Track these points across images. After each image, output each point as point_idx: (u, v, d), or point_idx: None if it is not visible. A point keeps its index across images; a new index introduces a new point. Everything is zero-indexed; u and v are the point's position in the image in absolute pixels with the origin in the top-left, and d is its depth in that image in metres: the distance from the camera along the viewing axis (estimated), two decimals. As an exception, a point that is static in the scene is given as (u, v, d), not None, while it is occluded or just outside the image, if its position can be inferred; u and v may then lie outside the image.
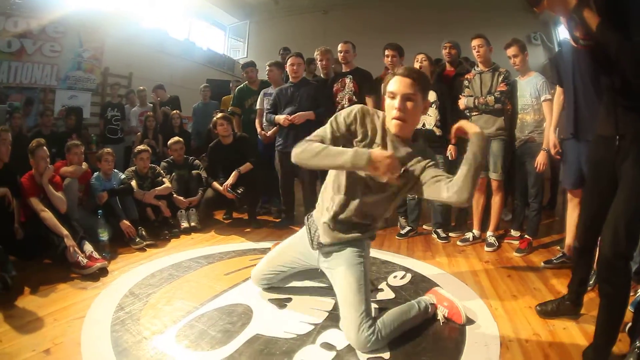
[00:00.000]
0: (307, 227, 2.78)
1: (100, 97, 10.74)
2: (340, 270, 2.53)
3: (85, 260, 3.70)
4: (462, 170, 2.17)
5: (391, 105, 2.32)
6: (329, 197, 2.58)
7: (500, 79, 4.43)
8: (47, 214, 3.97)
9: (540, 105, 4.29)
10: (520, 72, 4.50)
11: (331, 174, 2.61)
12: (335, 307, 2.73)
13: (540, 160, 4.18)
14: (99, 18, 10.43)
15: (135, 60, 11.43)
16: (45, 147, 4.28)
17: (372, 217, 2.58)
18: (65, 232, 3.88)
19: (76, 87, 10.21)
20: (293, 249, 2.91)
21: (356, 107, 2.44)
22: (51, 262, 3.98)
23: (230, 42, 16.71)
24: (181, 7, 14.41)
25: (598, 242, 2.34)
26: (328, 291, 2.94)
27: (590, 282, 3.04)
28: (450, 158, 4.64)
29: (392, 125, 2.35)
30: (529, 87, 4.37)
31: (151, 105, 8.71)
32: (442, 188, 2.19)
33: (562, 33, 11.05)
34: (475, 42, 4.54)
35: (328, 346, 2.42)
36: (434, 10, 12.98)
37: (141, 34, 11.93)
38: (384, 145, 2.38)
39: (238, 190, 5.25)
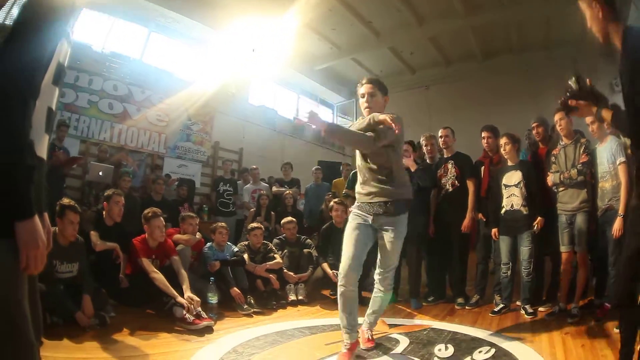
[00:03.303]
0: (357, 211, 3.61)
1: (211, 169, 11.44)
2: (385, 241, 3.50)
3: (192, 318, 4.07)
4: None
5: (362, 102, 3.56)
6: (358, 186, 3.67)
7: (581, 150, 4.48)
8: (158, 276, 4.43)
9: (617, 169, 4.24)
10: (599, 139, 4.53)
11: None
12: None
13: (616, 226, 4.08)
14: (207, 94, 11.16)
15: (245, 137, 12.18)
16: (161, 217, 4.84)
17: (378, 173, 3.47)
18: (175, 293, 4.29)
19: (186, 157, 10.95)
20: (354, 228, 3.53)
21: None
22: (154, 313, 4.43)
23: (338, 120, 17.11)
24: (288, 87, 15.28)
25: None
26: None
27: None
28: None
29: (365, 113, 3.51)
30: (606, 153, 4.38)
31: (264, 183, 9.25)
32: None
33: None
34: (556, 117, 4.65)
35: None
36: (524, 73, 13.18)
37: (250, 111, 12.68)
38: None
39: None
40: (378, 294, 3.67)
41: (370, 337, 3.72)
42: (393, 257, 3.53)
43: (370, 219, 3.47)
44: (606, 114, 2.58)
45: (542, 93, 11.47)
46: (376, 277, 3.67)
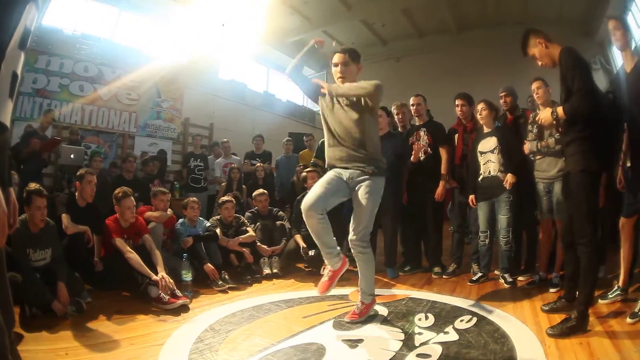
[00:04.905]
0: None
1: (181, 146, 11.37)
2: (358, 198, 3.44)
3: (167, 297, 4.00)
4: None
5: (336, 71, 3.61)
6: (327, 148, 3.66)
7: None
8: (133, 255, 4.34)
9: None
10: None
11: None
12: (402, 349, 2.99)
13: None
14: (176, 69, 11.09)
15: (215, 112, 12.12)
16: (132, 197, 4.72)
17: (354, 137, 3.49)
18: (150, 272, 4.21)
19: (156, 135, 10.85)
20: (330, 175, 3.57)
21: None
22: (130, 295, 4.35)
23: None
24: (258, 60, 15.13)
25: None
26: (396, 334, 3.29)
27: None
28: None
29: (339, 82, 3.59)
30: None
31: (235, 157, 9.19)
32: None
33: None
34: (534, 85, 4.53)
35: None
36: (499, 47, 12.96)
37: (220, 86, 12.59)
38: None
39: (310, 253, 5.37)
40: (357, 259, 3.59)
41: (357, 311, 3.66)
42: (366, 215, 3.44)
43: (345, 176, 3.50)
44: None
45: (516, 66, 11.51)
46: (350, 243, 3.54)
